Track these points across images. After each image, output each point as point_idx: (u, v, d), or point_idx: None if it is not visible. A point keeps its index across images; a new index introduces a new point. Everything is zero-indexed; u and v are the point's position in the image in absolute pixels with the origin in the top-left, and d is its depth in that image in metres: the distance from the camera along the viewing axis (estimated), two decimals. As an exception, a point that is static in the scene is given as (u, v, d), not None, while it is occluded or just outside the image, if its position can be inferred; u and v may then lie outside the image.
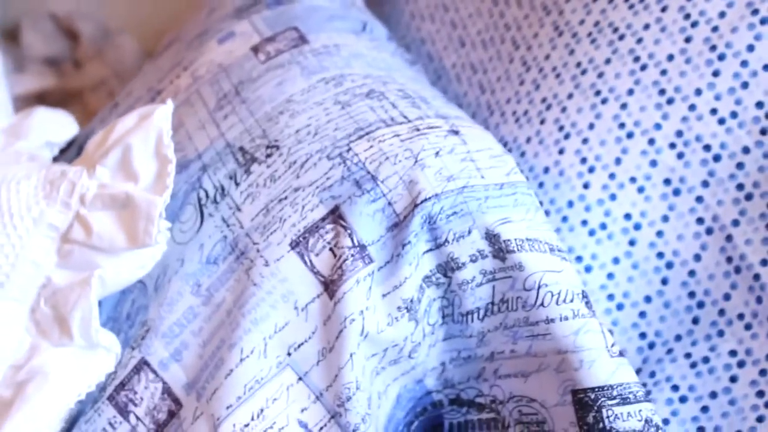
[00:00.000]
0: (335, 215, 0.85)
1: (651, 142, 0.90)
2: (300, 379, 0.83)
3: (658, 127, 0.90)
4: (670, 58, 0.91)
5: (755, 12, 0.89)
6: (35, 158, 0.98)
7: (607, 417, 0.80)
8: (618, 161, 0.91)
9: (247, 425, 0.82)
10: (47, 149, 1.03)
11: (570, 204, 0.91)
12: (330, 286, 0.83)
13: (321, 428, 0.83)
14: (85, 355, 0.89)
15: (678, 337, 0.89)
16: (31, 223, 0.89)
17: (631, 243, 0.90)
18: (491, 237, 0.83)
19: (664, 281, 0.90)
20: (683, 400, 0.88)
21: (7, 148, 1.00)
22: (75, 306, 0.88)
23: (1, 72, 1.11)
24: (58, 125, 1.05)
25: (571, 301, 0.82)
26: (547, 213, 0.91)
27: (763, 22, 0.88)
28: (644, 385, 0.88)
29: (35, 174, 0.92)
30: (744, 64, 0.89)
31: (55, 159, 1.03)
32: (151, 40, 1.31)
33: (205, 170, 0.91)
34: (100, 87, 1.43)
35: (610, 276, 0.90)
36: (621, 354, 0.82)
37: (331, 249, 0.84)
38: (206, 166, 0.91)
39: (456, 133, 0.87)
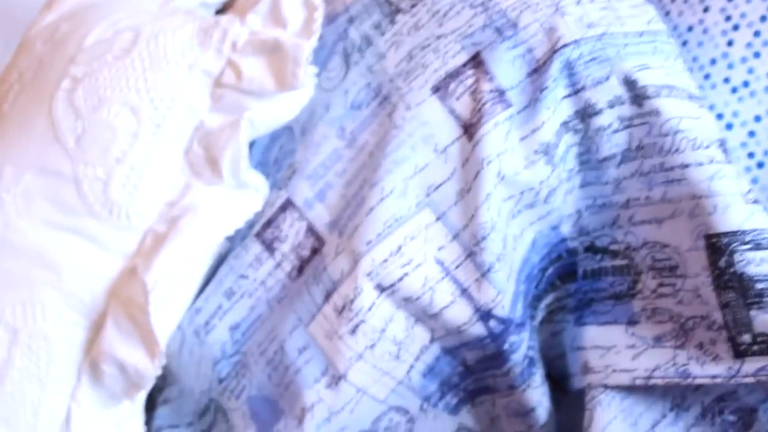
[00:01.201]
0: (476, 61, 0.86)
1: None
2: (438, 218, 0.85)
3: None
4: None
5: None
6: (191, 13, 1.02)
7: (739, 261, 0.81)
8: (763, 19, 0.90)
9: (385, 261, 0.85)
10: (203, 8, 1.07)
11: (713, 62, 0.91)
12: (469, 129, 0.85)
13: (457, 266, 0.85)
14: (234, 194, 0.93)
15: (818, 196, 0.89)
16: (186, 68, 0.93)
17: None
18: (629, 83, 0.84)
19: (807, 140, 0.89)
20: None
21: (165, 6, 1.04)
22: (226, 147, 0.92)
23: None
24: (215, -14, 1.08)
25: (707, 147, 0.82)
26: (689, 71, 0.91)
27: None
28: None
29: (190, 24, 0.95)
30: None
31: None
32: None
33: (351, 22, 0.94)
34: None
35: (751, 134, 0.90)
36: (756, 201, 0.82)
37: (471, 93, 0.86)
38: (353, 18, 0.94)
39: (598, -17, 0.88)
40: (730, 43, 0.91)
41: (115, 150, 0.92)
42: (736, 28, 0.91)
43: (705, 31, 0.92)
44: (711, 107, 0.90)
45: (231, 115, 0.93)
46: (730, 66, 0.90)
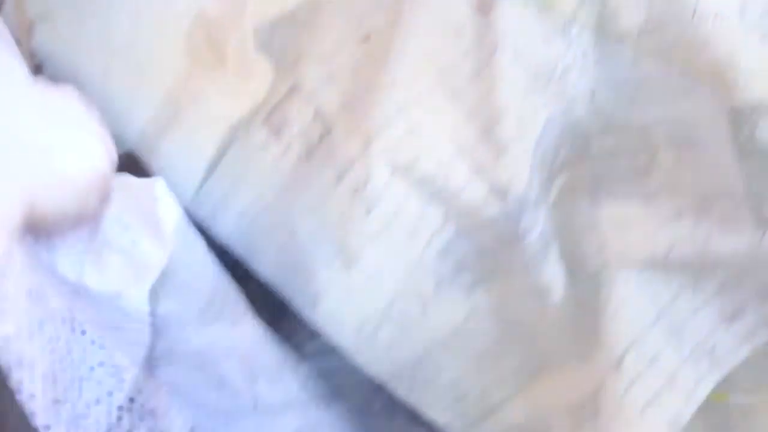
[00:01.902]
0: None
1: None
2: (452, 99, 0.84)
3: None
4: None
5: None
6: None
7: (762, 132, 0.80)
8: None
9: (399, 141, 0.84)
10: None
11: None
12: (483, 7, 0.84)
13: (472, 146, 0.84)
14: (238, 81, 0.91)
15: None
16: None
17: None
18: (649, -46, 0.83)
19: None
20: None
21: None
22: (230, 32, 0.90)
23: None
24: None
25: (730, 19, 0.81)
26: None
27: None
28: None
29: None
30: None
31: None
32: None
33: None
34: None
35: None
36: (778, 72, 0.82)
37: (485, -30, 0.85)
38: None
39: None
40: None
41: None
42: None
43: None
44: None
45: (235, 1, 0.91)
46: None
